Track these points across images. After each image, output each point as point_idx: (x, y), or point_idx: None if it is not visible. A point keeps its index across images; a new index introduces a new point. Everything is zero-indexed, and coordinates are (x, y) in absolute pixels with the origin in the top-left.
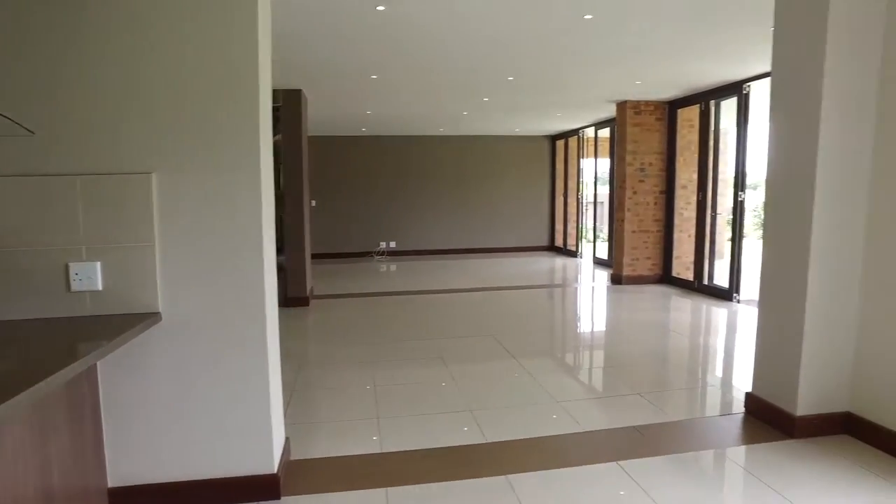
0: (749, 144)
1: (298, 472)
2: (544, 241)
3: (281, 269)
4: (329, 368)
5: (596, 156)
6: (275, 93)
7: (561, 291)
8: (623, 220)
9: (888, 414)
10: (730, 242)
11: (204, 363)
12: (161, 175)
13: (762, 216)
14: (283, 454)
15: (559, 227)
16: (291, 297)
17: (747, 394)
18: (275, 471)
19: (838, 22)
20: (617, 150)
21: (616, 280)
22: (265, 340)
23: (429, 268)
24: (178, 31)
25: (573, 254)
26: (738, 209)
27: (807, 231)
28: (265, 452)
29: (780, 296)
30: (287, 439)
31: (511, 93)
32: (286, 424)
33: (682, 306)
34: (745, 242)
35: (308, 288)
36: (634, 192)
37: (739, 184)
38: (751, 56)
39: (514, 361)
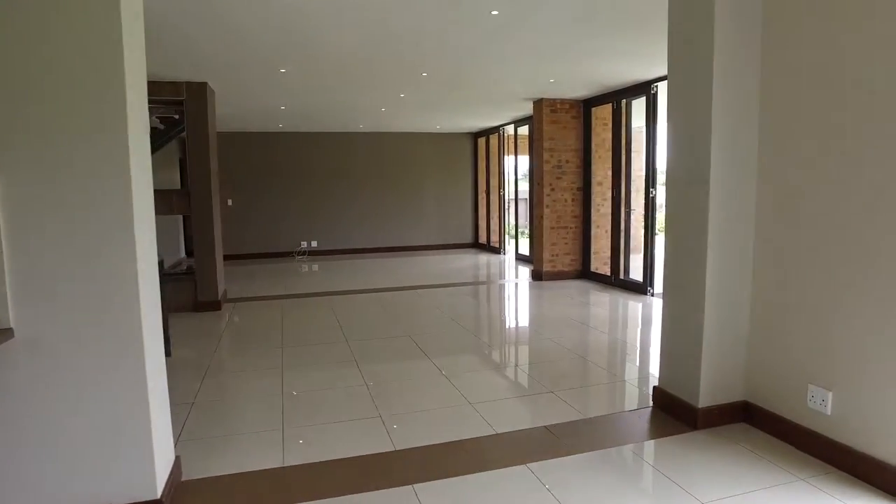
0: (658, 142)
1: (189, 494)
2: (468, 239)
3: (191, 271)
4: (235, 377)
5: (516, 153)
6: (177, 86)
7: (482, 289)
8: (542, 217)
9: (779, 401)
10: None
11: (68, 382)
12: (7, 176)
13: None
14: (170, 476)
15: (482, 223)
16: (202, 302)
17: (655, 388)
18: (158, 496)
19: (723, 24)
20: (535, 148)
21: (537, 276)
22: (142, 353)
23: (351, 267)
24: (23, 16)
25: (496, 250)
26: (649, 205)
27: (704, 226)
28: (147, 476)
29: (680, 290)
30: (177, 458)
31: (427, 89)
32: (182, 441)
33: (600, 301)
34: (657, 238)
35: (220, 291)
36: (552, 189)
37: (650, 181)
38: (657, 58)
39: (429, 362)
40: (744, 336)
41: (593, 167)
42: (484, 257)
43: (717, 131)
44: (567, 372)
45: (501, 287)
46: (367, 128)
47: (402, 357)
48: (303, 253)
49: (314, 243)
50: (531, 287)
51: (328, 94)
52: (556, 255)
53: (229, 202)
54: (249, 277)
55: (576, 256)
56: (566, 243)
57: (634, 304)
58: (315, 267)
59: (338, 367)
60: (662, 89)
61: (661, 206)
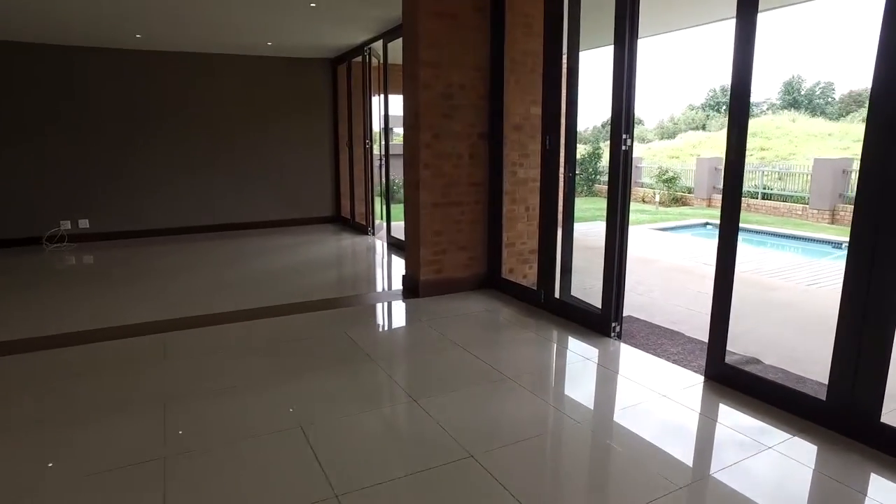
0: (644, 56)
1: None
2: (328, 211)
3: None
4: None
5: (385, 90)
6: None
7: (302, 323)
8: (418, 186)
9: None
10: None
11: None
12: None
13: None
14: None
15: (345, 190)
16: None
17: None
18: None
19: None
20: (406, 64)
21: (411, 288)
22: None
23: (130, 266)
24: None
25: (363, 230)
26: (622, 163)
27: None
28: None
29: None
30: None
31: None
32: None
33: (527, 354)
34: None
35: None
36: (436, 137)
37: (627, 123)
38: None
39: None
40: None
41: (507, 99)
42: (344, 242)
43: None
44: None
45: (345, 318)
46: (153, 41)
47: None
48: (60, 239)
49: (83, 223)
50: (394, 316)
51: None
52: (444, 253)
53: None
54: None
55: (476, 253)
56: (460, 231)
57: (589, 349)
58: (73, 262)
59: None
60: None
61: (645, 164)
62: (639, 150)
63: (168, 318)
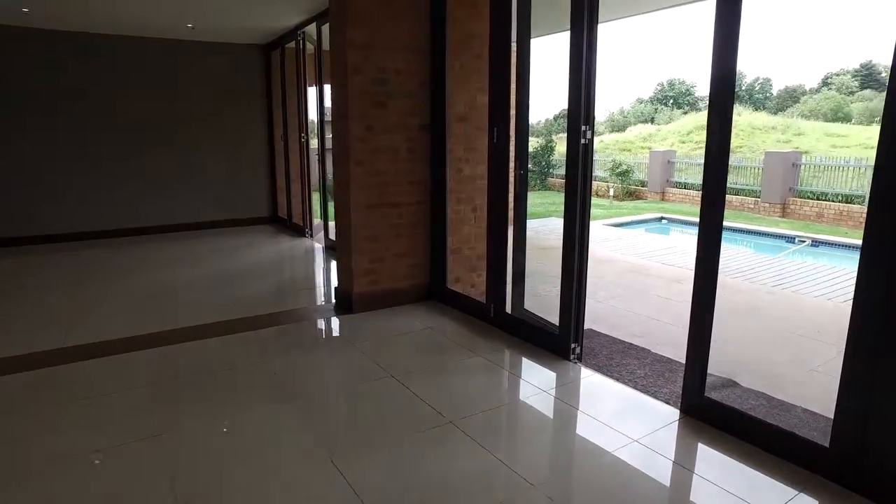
0: (604, 44)
1: None
2: (264, 211)
3: None
4: None
5: (320, 78)
6: None
7: (214, 356)
8: (349, 185)
9: None
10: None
11: None
12: None
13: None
14: None
15: (281, 188)
16: None
17: None
18: None
19: None
20: (333, 45)
21: (343, 303)
22: None
23: (20, 279)
24: None
25: (301, 231)
26: (582, 158)
27: None
28: None
29: None
30: None
31: None
32: None
33: (474, 385)
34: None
35: None
36: (369, 129)
37: (587, 114)
38: None
39: None
40: None
41: (450, 87)
42: (278, 245)
43: None
44: None
45: (262, 343)
46: (45, 18)
47: None
48: None
49: None
50: (335, 340)
51: None
52: (381, 261)
53: None
54: None
55: (418, 260)
56: (399, 236)
57: (548, 374)
58: None
59: None
60: None
61: (598, 157)
62: None
63: (35, 349)
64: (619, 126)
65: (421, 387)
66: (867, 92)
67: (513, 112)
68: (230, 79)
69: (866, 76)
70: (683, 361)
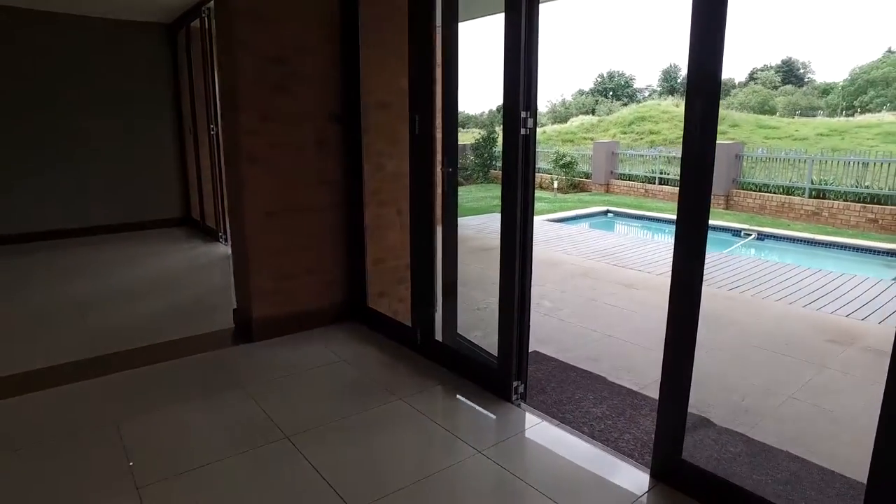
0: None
1: None
2: (175, 211)
3: None
4: None
5: None
6: None
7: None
8: (242, 188)
9: None
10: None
11: None
12: None
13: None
14: None
15: (193, 186)
16: None
17: None
18: None
19: None
20: (219, 17)
21: (242, 330)
22: None
23: None
24: None
25: (214, 234)
26: (522, 151)
27: None
28: None
29: None
30: None
31: None
32: None
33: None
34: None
35: None
36: (266, 119)
37: (527, 98)
38: None
39: None
40: None
41: (368, 69)
42: (186, 252)
43: None
44: None
45: (129, 390)
46: None
47: None
48: None
49: None
50: (225, 381)
51: None
52: (288, 277)
53: None
54: None
55: (333, 275)
56: (308, 247)
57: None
58: None
59: None
60: None
61: (541, 148)
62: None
63: None
64: (561, 117)
65: (321, 453)
66: (789, 87)
67: (439, 100)
68: (132, 60)
69: (787, 72)
70: (643, 391)
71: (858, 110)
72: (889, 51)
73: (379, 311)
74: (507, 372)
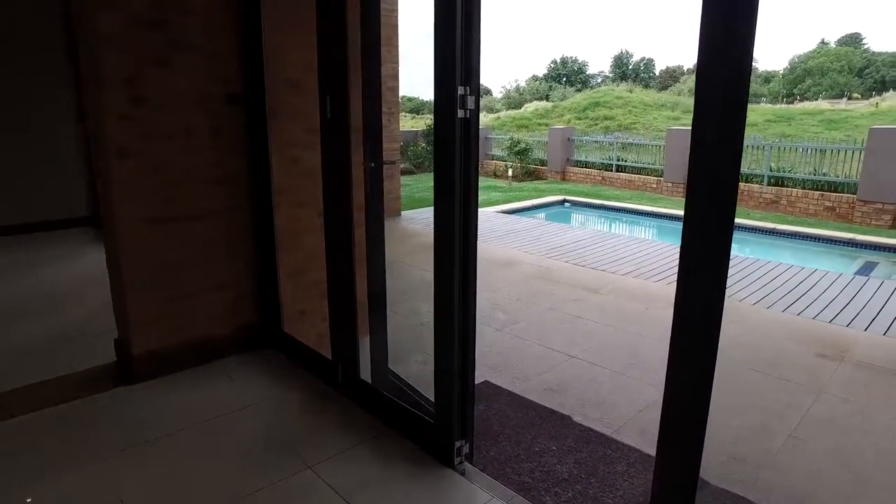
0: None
1: None
2: (82, 209)
3: None
4: None
5: None
6: None
7: None
8: (111, 188)
9: None
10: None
11: None
12: None
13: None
14: None
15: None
16: None
17: None
18: None
19: None
20: None
21: (123, 364)
22: None
23: None
24: None
25: None
26: (461, 140)
27: None
28: None
29: None
30: None
31: None
32: None
33: None
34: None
35: None
36: (141, 101)
37: (466, 72)
38: None
39: None
40: None
41: (276, 38)
42: (89, 258)
43: None
44: None
45: None
46: None
47: None
48: None
49: None
50: (86, 443)
51: None
52: (182, 298)
53: None
54: None
55: (239, 289)
56: (206, 260)
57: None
58: None
59: None
60: None
61: (494, 135)
62: (487, 120)
63: None
64: (515, 103)
65: None
66: None
67: (359, 75)
68: (11, 24)
69: None
70: (616, 436)
71: (798, 98)
72: (822, 42)
73: (295, 338)
74: (447, 427)
